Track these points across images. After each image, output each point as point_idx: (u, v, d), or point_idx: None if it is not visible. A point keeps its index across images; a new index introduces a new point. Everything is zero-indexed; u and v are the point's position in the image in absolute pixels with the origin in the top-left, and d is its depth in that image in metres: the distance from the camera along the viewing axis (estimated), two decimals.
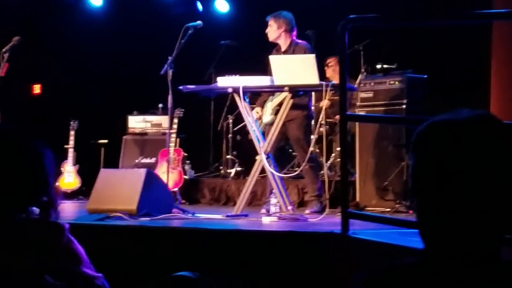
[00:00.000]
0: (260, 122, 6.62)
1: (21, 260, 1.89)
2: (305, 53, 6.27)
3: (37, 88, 10.27)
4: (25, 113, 9.76)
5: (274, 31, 6.46)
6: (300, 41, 6.53)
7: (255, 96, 6.80)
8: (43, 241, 1.92)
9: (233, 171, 8.54)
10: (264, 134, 6.31)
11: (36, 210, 2.02)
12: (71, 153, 8.42)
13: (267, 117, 6.57)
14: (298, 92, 6.06)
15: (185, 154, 8.22)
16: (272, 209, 5.87)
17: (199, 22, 6.30)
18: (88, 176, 7.81)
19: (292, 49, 6.41)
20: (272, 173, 5.95)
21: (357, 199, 6.71)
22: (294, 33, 6.51)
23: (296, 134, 6.37)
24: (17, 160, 2.00)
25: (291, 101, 5.99)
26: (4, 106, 6.98)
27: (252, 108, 6.46)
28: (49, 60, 10.03)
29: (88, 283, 1.95)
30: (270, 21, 6.48)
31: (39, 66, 10.13)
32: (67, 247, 1.95)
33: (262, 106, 6.67)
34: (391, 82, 6.70)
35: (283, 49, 6.48)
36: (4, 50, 6.87)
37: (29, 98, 10.24)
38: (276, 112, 6.39)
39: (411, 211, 6.02)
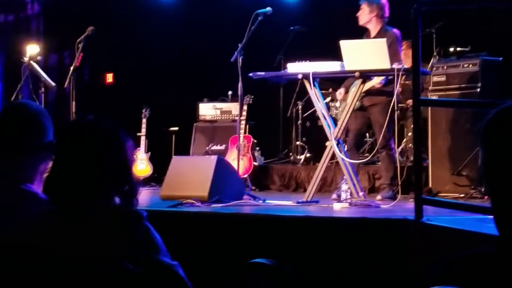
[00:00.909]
0: (343, 104, 6.55)
1: (101, 246, 1.94)
2: (393, 40, 6.19)
3: (109, 77, 10.46)
4: (98, 102, 9.97)
5: (365, 15, 6.38)
6: (391, 28, 6.42)
7: (325, 82, 6.74)
8: (122, 228, 1.96)
9: (302, 157, 8.52)
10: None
11: (117, 198, 2.07)
12: (143, 141, 8.55)
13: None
14: (370, 77, 5.98)
15: (255, 141, 8.24)
16: (343, 195, 5.82)
17: (268, 8, 6.29)
18: (159, 163, 7.93)
19: (381, 35, 6.32)
20: (343, 159, 5.90)
21: (430, 185, 6.60)
22: (386, 19, 6.42)
23: (378, 119, 6.27)
24: (102, 149, 2.05)
25: (363, 86, 5.91)
26: (79, 95, 7.13)
27: (323, 94, 6.40)
28: (121, 49, 10.19)
29: (166, 270, 1.97)
30: (363, 4, 6.40)
31: (112, 55, 10.31)
32: (145, 234, 1.98)
33: (347, 90, 6.59)
34: (465, 65, 6.55)
35: (372, 34, 6.39)
36: (78, 40, 6.99)
37: (102, 87, 10.45)
38: (361, 97, 6.34)
39: (486, 197, 5.89)
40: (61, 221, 2.00)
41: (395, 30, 6.37)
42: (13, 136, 2.39)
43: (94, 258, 1.92)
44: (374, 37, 6.32)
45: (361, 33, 6.54)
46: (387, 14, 6.42)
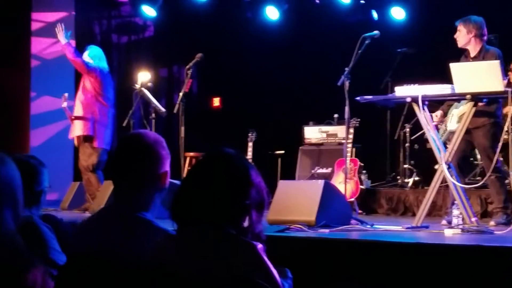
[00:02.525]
0: (443, 128, 6.41)
1: (215, 272, 1.98)
2: (495, 60, 6.02)
3: (216, 101, 10.66)
4: (205, 126, 10.17)
5: (463, 36, 6.25)
6: (491, 47, 6.26)
7: (435, 104, 6.60)
8: (237, 257, 2.01)
9: (411, 180, 8.38)
10: (447, 142, 6.11)
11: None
12: None
13: (452, 125, 6.33)
14: (482, 99, 5.81)
15: (361, 164, 8.16)
16: (455, 220, 5.64)
17: (376, 32, 6.23)
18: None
19: (482, 56, 6.16)
20: (454, 183, 5.73)
21: None
22: (485, 38, 6.26)
23: (482, 142, 6.10)
24: (233, 183, 2.14)
25: (474, 109, 5.75)
26: (187, 119, 7.28)
27: (432, 117, 6.26)
28: (228, 73, 10.37)
29: None
30: (459, 26, 6.27)
31: (219, 79, 10.50)
32: (257, 265, 2.01)
33: (446, 112, 6.44)
34: None
35: (472, 55, 6.24)
36: (188, 67, 7.17)
37: (209, 111, 10.65)
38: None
39: None
40: (182, 247, 2.10)
41: (495, 49, 6.19)
42: (130, 166, 2.46)
43: (207, 279, 1.97)
44: (474, 58, 6.17)
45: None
46: (485, 32, 6.24)
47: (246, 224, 2.13)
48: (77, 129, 7.63)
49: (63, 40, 7.47)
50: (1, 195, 1.70)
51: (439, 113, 6.46)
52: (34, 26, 9.90)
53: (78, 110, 7.63)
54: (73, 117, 7.69)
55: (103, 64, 7.70)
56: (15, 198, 1.74)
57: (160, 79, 10.61)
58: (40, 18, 9.92)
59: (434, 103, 6.57)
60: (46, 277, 1.72)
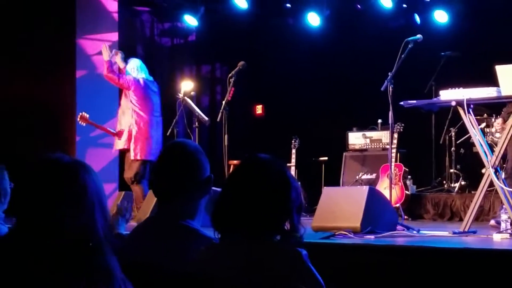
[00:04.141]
0: (504, 134, 6.30)
1: (260, 281, 1.97)
2: None
3: (259, 109, 10.67)
4: (248, 133, 10.19)
5: None
6: None
7: (480, 107, 6.51)
8: (282, 265, 2.00)
9: (457, 185, 8.26)
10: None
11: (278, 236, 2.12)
12: (293, 171, 8.62)
13: None
14: None
15: (406, 169, 8.09)
16: (503, 225, 5.55)
17: (419, 36, 6.17)
18: (309, 192, 7.94)
19: None
20: (502, 187, 5.64)
21: None
22: None
23: None
24: (271, 188, 2.12)
25: None
26: (230, 127, 7.32)
27: (478, 120, 6.18)
28: (270, 80, 10.37)
29: None
30: None
31: (261, 86, 10.51)
32: (303, 272, 2.00)
33: (506, 118, 6.33)
34: None
35: None
36: (230, 75, 7.21)
37: (252, 118, 10.67)
38: None
39: None
40: (225, 256, 2.09)
41: None
42: (174, 175, 2.48)
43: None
44: None
45: None
46: None
47: (287, 227, 2.13)
48: (118, 143, 8.00)
49: (106, 57, 7.75)
50: (92, 204, 1.65)
51: (500, 120, 6.36)
52: (80, 52, 9.82)
53: (119, 127, 7.99)
54: (115, 132, 7.99)
55: (143, 75, 7.89)
56: (104, 206, 1.70)
57: (202, 83, 10.63)
58: (86, 38, 9.85)
59: (479, 107, 6.48)
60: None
